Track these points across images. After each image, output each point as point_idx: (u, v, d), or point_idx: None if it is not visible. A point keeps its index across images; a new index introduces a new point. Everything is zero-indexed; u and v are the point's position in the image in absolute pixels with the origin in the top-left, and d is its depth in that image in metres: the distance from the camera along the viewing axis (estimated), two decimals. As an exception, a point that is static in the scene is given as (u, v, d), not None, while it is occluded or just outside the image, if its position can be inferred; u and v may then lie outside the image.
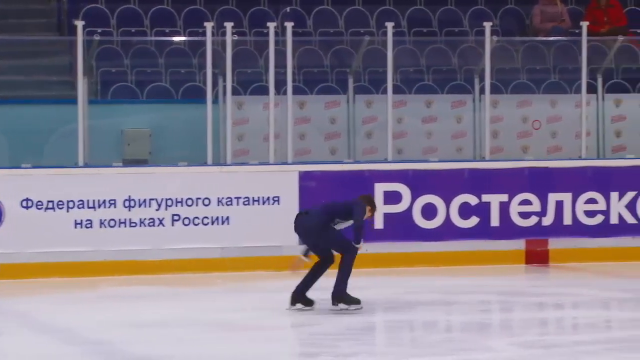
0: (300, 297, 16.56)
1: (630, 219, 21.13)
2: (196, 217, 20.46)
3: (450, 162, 21.59)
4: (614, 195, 21.26)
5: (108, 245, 19.87)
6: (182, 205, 20.51)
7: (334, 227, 16.40)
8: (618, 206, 21.28)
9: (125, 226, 20.14)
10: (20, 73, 23.33)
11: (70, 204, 19.88)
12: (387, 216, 20.62)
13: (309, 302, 16.59)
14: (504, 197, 21.02)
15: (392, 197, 20.71)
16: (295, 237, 18.04)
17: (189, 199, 20.40)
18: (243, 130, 22.24)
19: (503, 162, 21.49)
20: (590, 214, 21.27)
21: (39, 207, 19.79)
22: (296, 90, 21.89)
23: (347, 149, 22.75)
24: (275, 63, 21.09)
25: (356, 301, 16.32)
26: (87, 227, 19.92)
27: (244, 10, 24.59)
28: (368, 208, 16.40)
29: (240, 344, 15.02)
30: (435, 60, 23.86)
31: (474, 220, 20.75)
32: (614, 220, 21.19)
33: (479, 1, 25.67)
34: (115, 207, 20.09)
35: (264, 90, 21.82)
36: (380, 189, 20.68)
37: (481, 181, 21.11)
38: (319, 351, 14.65)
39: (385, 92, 21.57)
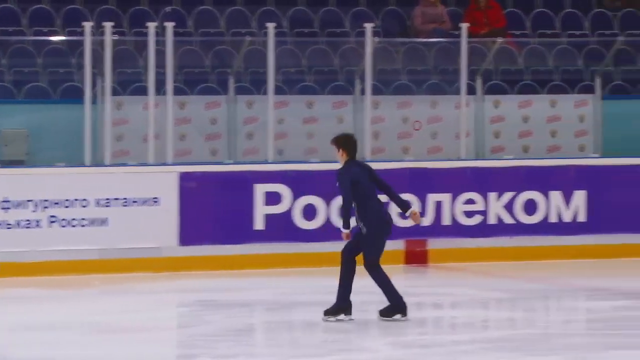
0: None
1: (508, 219, 21.40)
2: (74, 219, 20.16)
3: (331, 163, 20.79)
4: (493, 195, 21.51)
5: (-17, 247, 19.47)
6: (59, 207, 20.16)
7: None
8: (496, 206, 21.54)
9: (1, 228, 19.83)
10: None
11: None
12: (268, 217, 20.61)
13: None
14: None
15: (272, 198, 20.74)
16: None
17: (67, 200, 20.07)
18: (122, 131, 21.97)
19: (384, 162, 21.19)
20: (469, 214, 21.51)
21: None
22: (176, 91, 21.77)
23: (228, 149, 22.65)
24: (156, 63, 21.05)
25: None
26: (-37, 229, 19.58)
27: (123, 9, 24.41)
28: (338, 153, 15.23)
29: (120, 346, 14.86)
30: (317, 60, 23.89)
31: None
32: (492, 220, 21.46)
33: (360, 2, 25.69)
34: (-9, 209, 19.80)
35: (143, 91, 21.60)
36: (260, 190, 20.73)
37: None
38: (198, 352, 14.69)
39: (266, 92, 21.69)
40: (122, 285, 19.51)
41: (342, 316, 15.10)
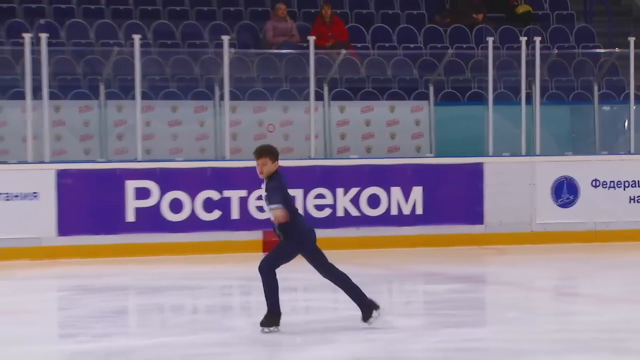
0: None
1: (354, 212, 21.81)
2: None
3: (194, 161, 22.13)
4: (340, 191, 21.84)
5: None
6: None
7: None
8: (343, 201, 21.89)
9: None
10: None
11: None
12: (138, 210, 21.00)
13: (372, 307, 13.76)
14: (244, 193, 21.42)
15: (142, 193, 21.07)
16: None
17: None
18: (2, 132, 22.32)
19: (241, 161, 21.51)
20: (319, 207, 21.83)
21: None
22: (52, 96, 21.93)
23: (100, 149, 22.88)
24: (32, 70, 21.12)
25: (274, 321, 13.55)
26: None
27: (1, 21, 24.45)
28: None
29: (2, 327, 14.83)
30: (179, 69, 24.29)
31: (216, 214, 21.21)
32: (340, 213, 21.84)
33: (217, 16, 26.01)
34: None
35: (21, 95, 21.71)
36: (131, 185, 21.02)
37: (222, 179, 21.54)
38: (77, 332, 14.70)
39: (134, 97, 21.79)
40: (3, 272, 19.27)
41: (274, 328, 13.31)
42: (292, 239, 13.66)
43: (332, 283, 14.08)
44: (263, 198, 13.40)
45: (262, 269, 13.48)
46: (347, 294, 13.81)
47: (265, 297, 13.44)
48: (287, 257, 13.72)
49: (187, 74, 24.35)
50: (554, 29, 26.69)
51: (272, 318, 13.34)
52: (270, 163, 13.17)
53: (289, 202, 13.59)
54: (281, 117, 23.78)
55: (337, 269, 14.03)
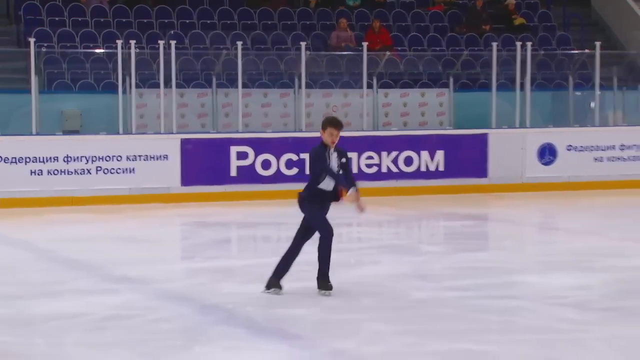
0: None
1: (394, 169, 21.40)
2: (112, 168, 20.20)
3: (279, 132, 21.94)
4: (384, 154, 21.53)
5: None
6: (102, 161, 20.10)
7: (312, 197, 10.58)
8: (386, 161, 21.55)
9: (64, 174, 19.84)
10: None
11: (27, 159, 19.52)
12: (239, 168, 20.65)
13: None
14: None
15: (242, 155, 20.71)
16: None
17: (107, 156, 20.03)
18: (143, 112, 21.86)
19: (313, 132, 20.28)
20: (369, 166, 21.47)
21: (6, 161, 19.39)
22: (178, 86, 21.64)
23: (212, 123, 22.53)
24: (164, 67, 20.91)
25: (328, 287, 10.63)
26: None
27: (141, 31, 24.05)
28: (324, 131, 10.42)
29: (138, 250, 14.85)
30: (269, 66, 24.02)
31: (294, 170, 20.95)
32: (384, 170, 21.48)
33: (297, 28, 25.56)
34: None
35: (157, 85, 21.40)
36: (234, 150, 20.62)
37: (299, 145, 20.88)
38: (194, 255, 14.97)
39: (237, 87, 21.54)
40: (142, 212, 19.17)
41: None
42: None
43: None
44: (338, 166, 10.33)
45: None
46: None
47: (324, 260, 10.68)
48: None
49: (275, 69, 23.94)
50: (541, 36, 26.39)
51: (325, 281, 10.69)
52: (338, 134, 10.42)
53: None
54: (342, 100, 23.32)
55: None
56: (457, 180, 21.10)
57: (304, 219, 10.80)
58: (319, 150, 10.47)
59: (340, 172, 10.45)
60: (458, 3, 28.05)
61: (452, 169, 21.44)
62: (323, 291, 10.63)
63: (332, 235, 10.65)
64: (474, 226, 18.20)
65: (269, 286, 10.78)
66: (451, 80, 24.11)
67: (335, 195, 10.57)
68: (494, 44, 22.96)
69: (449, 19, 27.19)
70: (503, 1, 27.35)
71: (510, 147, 22.11)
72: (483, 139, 21.96)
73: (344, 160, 10.46)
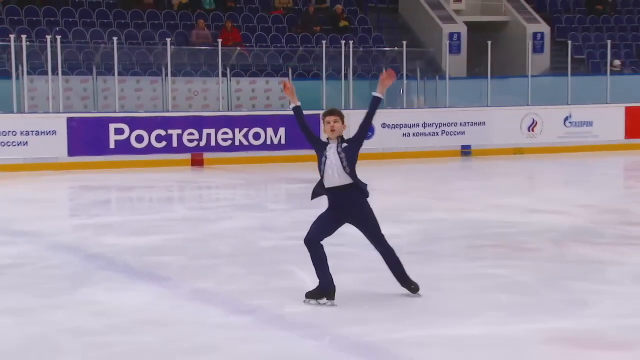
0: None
1: (245, 142, 21.21)
2: None
3: (150, 112, 21.48)
4: (237, 130, 21.27)
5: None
6: None
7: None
8: (239, 135, 21.29)
9: None
10: None
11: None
12: (117, 141, 20.26)
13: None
14: (179, 131, 20.96)
15: (119, 131, 20.35)
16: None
17: None
18: (34, 94, 21.12)
19: (178, 112, 21.37)
20: (224, 140, 21.20)
21: None
22: (64, 73, 20.86)
23: (94, 105, 22.08)
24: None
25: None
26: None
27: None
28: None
29: (31, 210, 14.28)
30: (141, 58, 23.33)
31: (163, 143, 20.68)
32: (237, 143, 21.20)
33: (163, 26, 25.01)
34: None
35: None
36: (112, 126, 20.30)
37: (167, 123, 20.74)
38: (80, 213, 14.55)
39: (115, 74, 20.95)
40: (34, 177, 18.51)
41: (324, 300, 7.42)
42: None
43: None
44: (339, 154, 7.50)
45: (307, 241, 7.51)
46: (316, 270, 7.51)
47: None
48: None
49: (145, 61, 23.31)
50: (361, 36, 26.60)
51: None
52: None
53: None
54: (202, 87, 22.99)
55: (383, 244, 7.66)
56: (297, 151, 20.72)
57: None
58: (317, 139, 7.60)
59: (344, 161, 7.40)
60: (294, 8, 27.92)
61: (292, 142, 21.13)
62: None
63: (307, 242, 7.52)
64: (310, 188, 17.84)
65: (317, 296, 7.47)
66: (290, 71, 23.95)
67: (347, 200, 7.57)
68: (324, 42, 23.00)
69: (287, 21, 27.04)
70: (331, 7, 27.43)
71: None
72: (317, 118, 21.60)
73: (344, 145, 7.47)
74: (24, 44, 20.40)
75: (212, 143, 21.06)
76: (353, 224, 7.68)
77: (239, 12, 26.81)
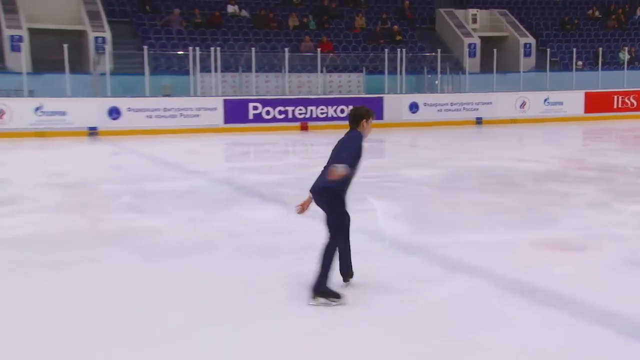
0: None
1: None
2: None
3: None
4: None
5: None
6: None
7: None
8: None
9: None
10: None
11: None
12: None
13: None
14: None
15: None
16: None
17: None
18: None
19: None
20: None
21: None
22: None
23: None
24: None
25: (335, 295, 4.58)
26: None
27: None
28: (367, 122, 5.00)
29: None
30: None
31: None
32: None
33: None
34: None
35: None
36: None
37: None
38: None
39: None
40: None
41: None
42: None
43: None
44: None
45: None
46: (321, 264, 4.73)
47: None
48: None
49: (272, 62, 22.51)
50: (410, 46, 25.73)
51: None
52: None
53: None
54: (307, 79, 22.10)
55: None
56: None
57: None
58: (362, 143, 4.92)
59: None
60: (367, 28, 26.89)
61: None
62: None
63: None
64: (379, 142, 17.32)
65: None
66: (364, 69, 23.31)
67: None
68: (386, 50, 22.39)
69: (363, 36, 26.04)
70: (391, 27, 26.73)
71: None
72: (380, 100, 21.27)
73: None
74: (197, 53, 20.21)
75: (314, 115, 20.77)
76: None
77: (332, 30, 26.09)
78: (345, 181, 4.75)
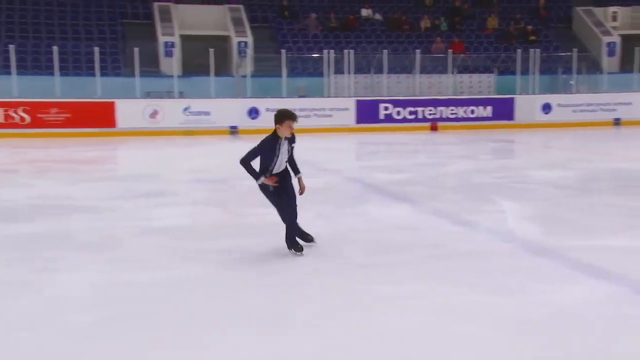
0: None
1: None
2: None
3: None
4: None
5: None
6: None
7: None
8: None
9: None
10: None
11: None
12: None
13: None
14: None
15: None
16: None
17: None
18: None
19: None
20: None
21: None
22: None
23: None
24: None
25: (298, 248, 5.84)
26: None
27: None
28: (281, 126, 5.65)
29: None
30: None
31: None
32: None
33: None
34: None
35: None
36: None
37: None
38: None
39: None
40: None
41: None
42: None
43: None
44: (289, 152, 5.82)
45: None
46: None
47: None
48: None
49: (403, 64, 22.52)
50: (544, 46, 24.80)
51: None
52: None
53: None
54: (437, 80, 21.97)
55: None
56: (500, 121, 19.63)
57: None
58: (270, 143, 5.69)
59: (289, 155, 5.86)
60: (499, 29, 26.18)
61: (497, 116, 19.94)
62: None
63: (294, 220, 5.99)
64: (507, 146, 16.95)
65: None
66: (496, 70, 22.82)
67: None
68: (519, 50, 21.83)
69: (494, 37, 25.35)
70: (524, 27, 25.77)
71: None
72: (511, 101, 20.45)
73: (293, 145, 5.85)
74: (331, 55, 20.57)
75: (444, 116, 20.58)
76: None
77: (464, 31, 25.67)
78: (263, 172, 5.72)
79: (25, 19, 22.91)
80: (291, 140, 5.84)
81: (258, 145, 5.70)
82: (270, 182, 5.72)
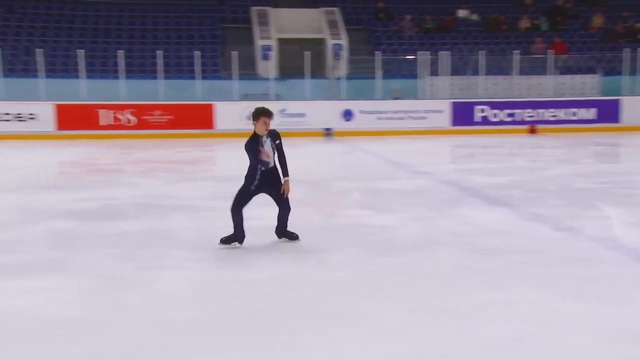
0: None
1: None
2: None
3: None
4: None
5: None
6: None
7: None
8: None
9: None
10: None
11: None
12: None
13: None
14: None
15: None
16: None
17: None
18: None
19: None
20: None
21: None
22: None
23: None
24: None
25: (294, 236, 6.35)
26: None
27: None
28: (257, 122, 5.93)
29: None
30: None
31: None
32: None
33: None
34: None
35: None
36: None
37: None
38: None
39: None
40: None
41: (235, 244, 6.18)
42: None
43: None
44: (273, 148, 6.03)
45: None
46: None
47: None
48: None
49: (499, 65, 21.98)
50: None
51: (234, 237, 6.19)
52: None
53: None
54: (537, 81, 21.19)
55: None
56: (605, 124, 18.86)
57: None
58: (250, 144, 5.97)
59: (275, 153, 6.09)
60: (605, 27, 25.11)
61: (603, 118, 19.19)
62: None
63: (234, 209, 6.22)
64: (611, 149, 16.21)
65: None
66: (601, 70, 21.85)
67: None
68: (627, 49, 20.90)
69: (599, 36, 24.22)
70: (632, 25, 24.51)
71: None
72: (616, 103, 19.57)
73: (277, 142, 6.02)
74: (427, 57, 20.37)
75: (544, 118, 20.07)
76: (268, 193, 6.21)
77: (566, 31, 24.82)
78: (253, 172, 6.08)
79: (134, 25, 24.00)
80: (274, 137, 5.98)
81: (247, 151, 5.98)
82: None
